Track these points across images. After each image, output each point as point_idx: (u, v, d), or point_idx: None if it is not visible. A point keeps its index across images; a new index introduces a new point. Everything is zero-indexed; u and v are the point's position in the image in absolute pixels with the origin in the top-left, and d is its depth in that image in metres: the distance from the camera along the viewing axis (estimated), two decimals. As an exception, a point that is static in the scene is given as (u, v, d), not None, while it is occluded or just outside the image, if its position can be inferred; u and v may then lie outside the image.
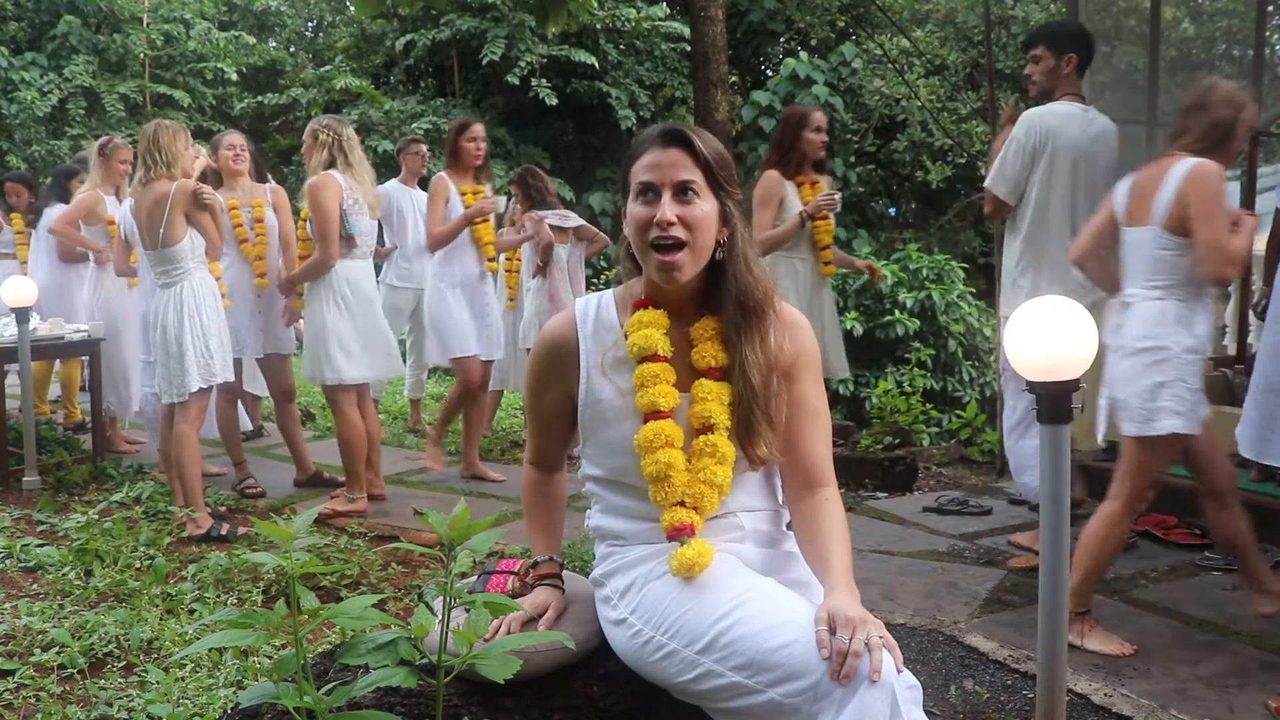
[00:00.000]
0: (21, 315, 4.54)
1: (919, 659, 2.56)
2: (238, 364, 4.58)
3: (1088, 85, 4.24)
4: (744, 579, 1.54)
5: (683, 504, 1.58)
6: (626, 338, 1.65)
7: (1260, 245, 3.70)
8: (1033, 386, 1.84)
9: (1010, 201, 3.53)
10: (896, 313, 7.86)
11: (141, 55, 14.27)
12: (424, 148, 5.97)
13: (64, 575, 3.33)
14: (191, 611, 3.06)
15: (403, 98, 12.93)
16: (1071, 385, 1.82)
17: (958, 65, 11.91)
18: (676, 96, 13.31)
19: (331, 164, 4.12)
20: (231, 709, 1.80)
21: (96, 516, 3.90)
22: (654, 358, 1.62)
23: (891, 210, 13.55)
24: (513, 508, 4.06)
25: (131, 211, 4.11)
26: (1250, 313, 5.21)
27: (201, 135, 10.77)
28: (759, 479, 1.72)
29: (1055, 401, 1.82)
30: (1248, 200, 5.16)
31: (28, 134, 12.95)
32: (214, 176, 4.62)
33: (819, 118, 4.22)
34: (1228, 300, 6.16)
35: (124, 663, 2.69)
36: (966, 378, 8.03)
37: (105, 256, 5.24)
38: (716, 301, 1.66)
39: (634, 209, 1.62)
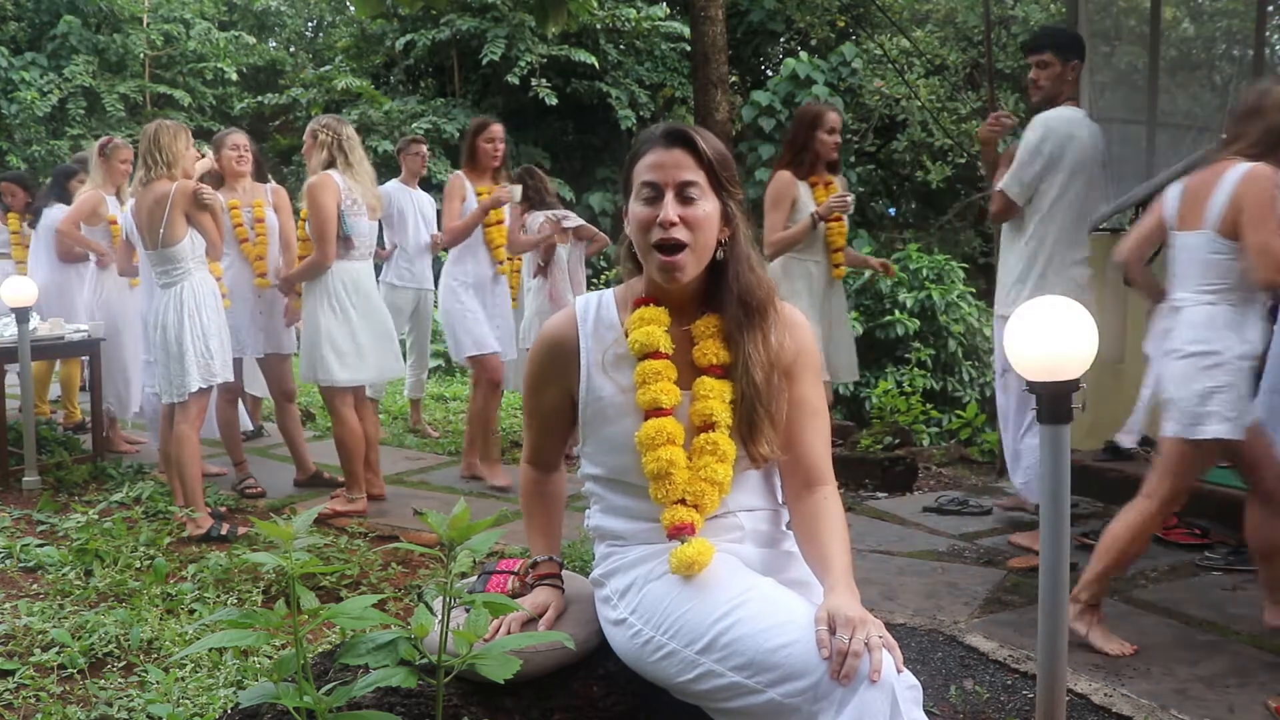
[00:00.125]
0: (21, 315, 4.54)
1: (919, 659, 2.56)
2: (238, 364, 4.58)
3: (1088, 85, 4.25)
4: (744, 579, 1.54)
5: (683, 502, 1.58)
6: (627, 335, 1.65)
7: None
8: (1033, 386, 1.84)
9: (1020, 204, 3.54)
10: (896, 313, 7.86)
11: (141, 55, 14.26)
12: (424, 148, 5.97)
13: (64, 575, 3.33)
14: (191, 611, 3.06)
15: (403, 98, 12.94)
16: (1071, 385, 1.81)
17: (958, 65, 11.91)
18: (676, 96, 13.32)
19: (331, 164, 4.10)
20: (231, 709, 1.80)
21: (96, 516, 3.90)
22: (655, 355, 1.62)
23: (891, 210, 13.54)
24: (512, 508, 4.06)
25: (132, 212, 4.11)
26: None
27: (202, 135, 10.76)
28: (758, 479, 1.72)
29: (1055, 401, 1.82)
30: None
31: (28, 134, 12.95)
32: (214, 177, 4.62)
33: (833, 118, 4.12)
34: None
35: (124, 663, 2.69)
36: (966, 378, 8.04)
37: (108, 259, 5.24)
38: (718, 300, 1.66)
39: (636, 209, 1.62)
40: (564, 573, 1.80)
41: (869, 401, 6.90)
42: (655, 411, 1.60)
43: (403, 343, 5.88)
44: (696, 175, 1.60)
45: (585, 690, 1.66)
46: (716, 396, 1.61)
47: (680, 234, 1.58)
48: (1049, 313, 1.83)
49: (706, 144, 1.61)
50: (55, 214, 5.68)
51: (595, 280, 10.22)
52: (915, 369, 7.72)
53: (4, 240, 6.63)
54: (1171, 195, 2.87)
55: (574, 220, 5.20)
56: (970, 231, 12.57)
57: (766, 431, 1.61)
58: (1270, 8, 4.86)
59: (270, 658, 2.67)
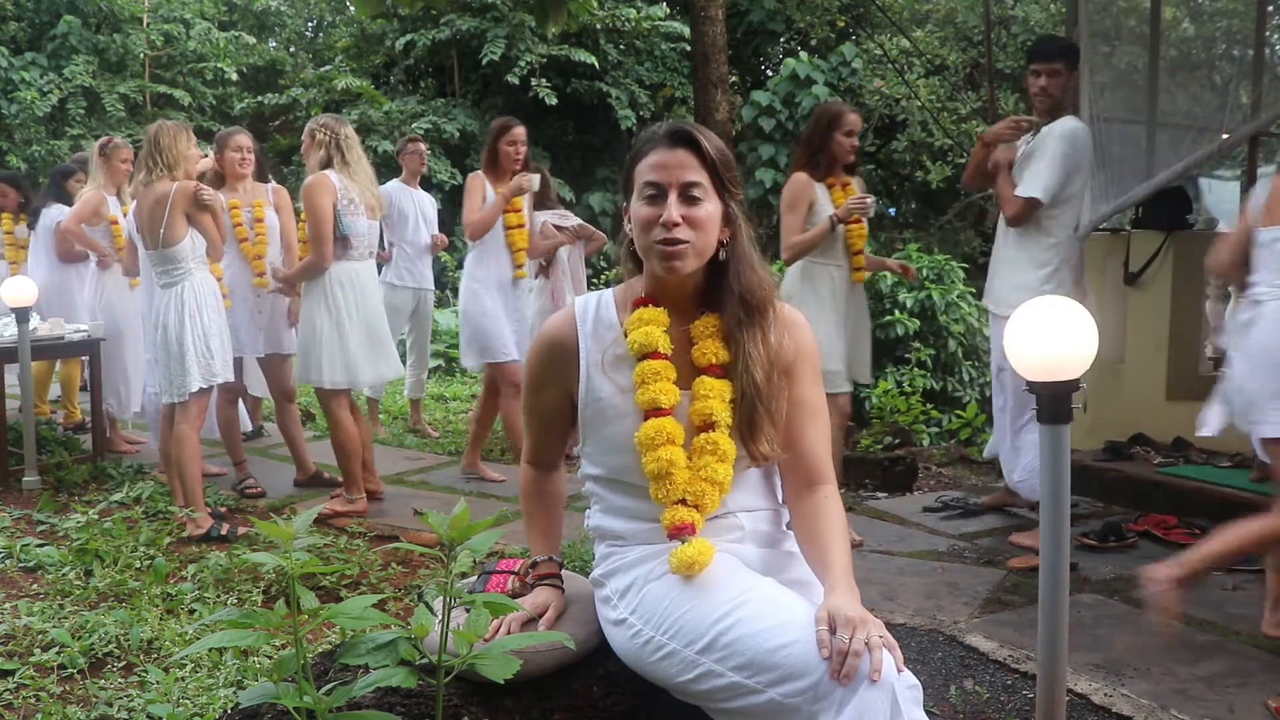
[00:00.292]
0: (21, 315, 4.54)
1: (919, 659, 2.56)
2: (238, 364, 4.58)
3: (1088, 85, 4.28)
4: (744, 579, 1.54)
5: (684, 502, 1.58)
6: (626, 335, 1.65)
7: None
8: (1033, 386, 1.84)
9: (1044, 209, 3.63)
10: (896, 313, 7.84)
11: (141, 55, 14.27)
12: (423, 147, 5.97)
13: (64, 575, 3.33)
14: (191, 611, 3.06)
15: (403, 98, 12.94)
16: (1071, 385, 1.81)
17: (958, 65, 11.90)
18: (676, 96, 13.32)
19: (328, 164, 4.08)
20: (231, 709, 1.80)
21: (96, 516, 3.90)
22: (654, 355, 1.62)
23: (891, 210, 13.53)
24: (512, 508, 4.06)
25: (133, 212, 4.12)
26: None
27: (202, 135, 10.75)
28: (758, 479, 1.72)
29: (1055, 401, 1.82)
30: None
31: (28, 134, 12.95)
32: (214, 177, 4.61)
33: (853, 120, 3.94)
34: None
35: (124, 663, 2.69)
36: (966, 378, 8.02)
37: (110, 260, 5.24)
38: (717, 300, 1.66)
39: (639, 208, 1.62)
40: (564, 573, 1.80)
41: (869, 401, 6.88)
42: (655, 411, 1.60)
43: (402, 343, 5.88)
44: (700, 176, 1.60)
45: (585, 690, 1.66)
46: (716, 396, 1.61)
47: (683, 234, 1.58)
48: (1049, 313, 1.83)
49: (710, 144, 1.61)
50: (55, 214, 5.68)
51: (595, 280, 10.22)
52: (915, 369, 7.71)
53: (-2, 240, 6.63)
54: (1258, 193, 2.89)
55: (572, 220, 5.21)
56: (970, 231, 12.56)
57: (767, 430, 1.61)
58: (1270, 8, 4.86)
59: (270, 658, 2.67)
